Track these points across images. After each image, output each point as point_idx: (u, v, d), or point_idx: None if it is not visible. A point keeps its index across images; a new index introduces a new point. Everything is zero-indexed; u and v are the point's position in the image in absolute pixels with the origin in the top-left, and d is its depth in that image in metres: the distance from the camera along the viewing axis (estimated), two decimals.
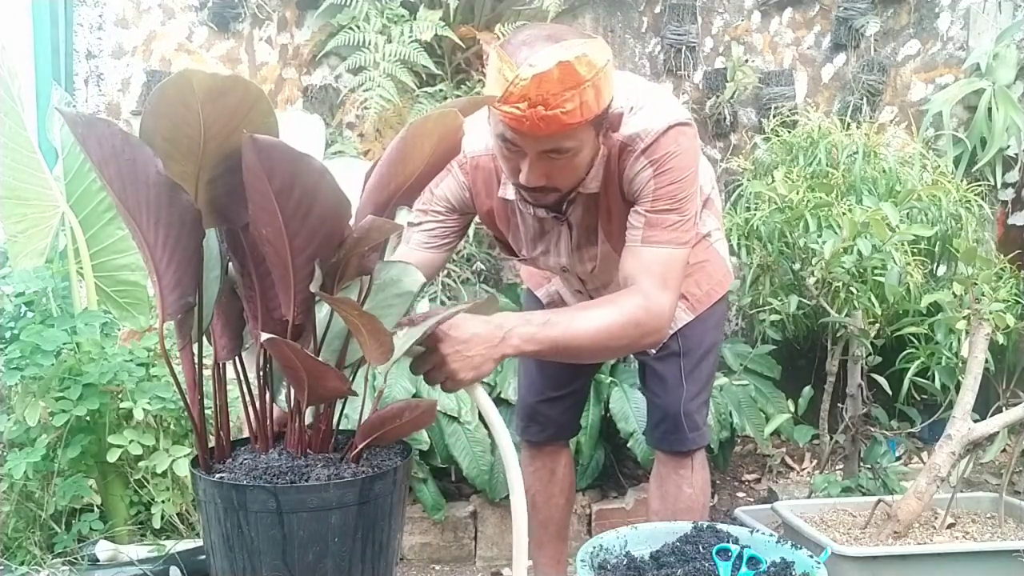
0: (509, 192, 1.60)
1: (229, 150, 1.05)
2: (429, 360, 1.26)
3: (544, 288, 1.96)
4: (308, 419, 1.24)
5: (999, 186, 3.45)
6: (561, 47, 1.29)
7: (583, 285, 1.80)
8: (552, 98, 1.28)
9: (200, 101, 1.00)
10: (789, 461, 3.27)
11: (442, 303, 3.01)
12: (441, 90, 3.20)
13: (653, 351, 1.81)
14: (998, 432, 2.05)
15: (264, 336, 1.09)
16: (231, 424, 1.27)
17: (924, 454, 2.81)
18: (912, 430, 2.56)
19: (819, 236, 2.48)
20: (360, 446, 1.22)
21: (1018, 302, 2.59)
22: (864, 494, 2.42)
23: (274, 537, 1.12)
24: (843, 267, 2.43)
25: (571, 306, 1.47)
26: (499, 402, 2.75)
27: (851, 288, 2.50)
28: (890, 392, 2.55)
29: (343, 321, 1.16)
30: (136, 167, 1.03)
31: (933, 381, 2.44)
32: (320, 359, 1.16)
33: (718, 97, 3.44)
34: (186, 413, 1.17)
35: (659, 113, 1.50)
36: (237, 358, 1.25)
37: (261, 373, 1.23)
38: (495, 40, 3.19)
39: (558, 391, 1.96)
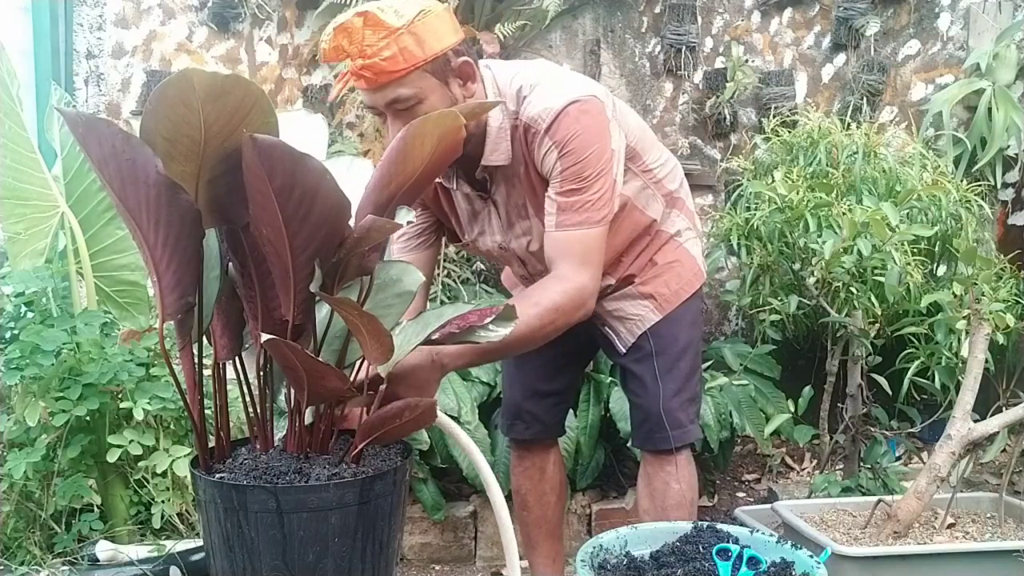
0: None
1: (230, 150, 1.05)
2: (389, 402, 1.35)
3: (518, 289, 1.96)
4: (308, 419, 1.24)
5: (999, 186, 3.45)
6: (370, 4, 1.39)
7: (525, 268, 1.81)
8: (367, 48, 1.37)
9: (200, 101, 1.00)
10: (789, 461, 3.27)
11: (442, 303, 3.01)
12: None
13: (625, 351, 1.82)
14: (998, 432, 2.04)
15: (264, 337, 1.09)
16: (231, 424, 1.27)
17: (924, 454, 2.81)
18: (912, 430, 2.56)
19: (819, 236, 2.47)
20: (360, 446, 1.22)
21: (1018, 302, 2.59)
22: (864, 494, 2.42)
23: (274, 537, 1.12)
24: (843, 267, 2.43)
25: None
26: (499, 401, 2.74)
27: (851, 288, 2.50)
28: (890, 392, 2.55)
29: (343, 321, 1.16)
30: (136, 167, 1.03)
31: (933, 381, 2.44)
32: (320, 359, 1.16)
33: (718, 97, 3.44)
34: (186, 413, 1.16)
35: (558, 92, 1.53)
36: (237, 358, 1.25)
37: (261, 373, 1.23)
38: (495, 40, 3.19)
39: (542, 386, 1.97)
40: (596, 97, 1.54)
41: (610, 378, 2.76)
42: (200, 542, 2.03)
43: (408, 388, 1.33)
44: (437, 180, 1.66)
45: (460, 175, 1.66)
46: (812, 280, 2.56)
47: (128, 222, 1.10)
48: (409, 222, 1.70)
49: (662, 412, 1.79)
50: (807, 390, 2.67)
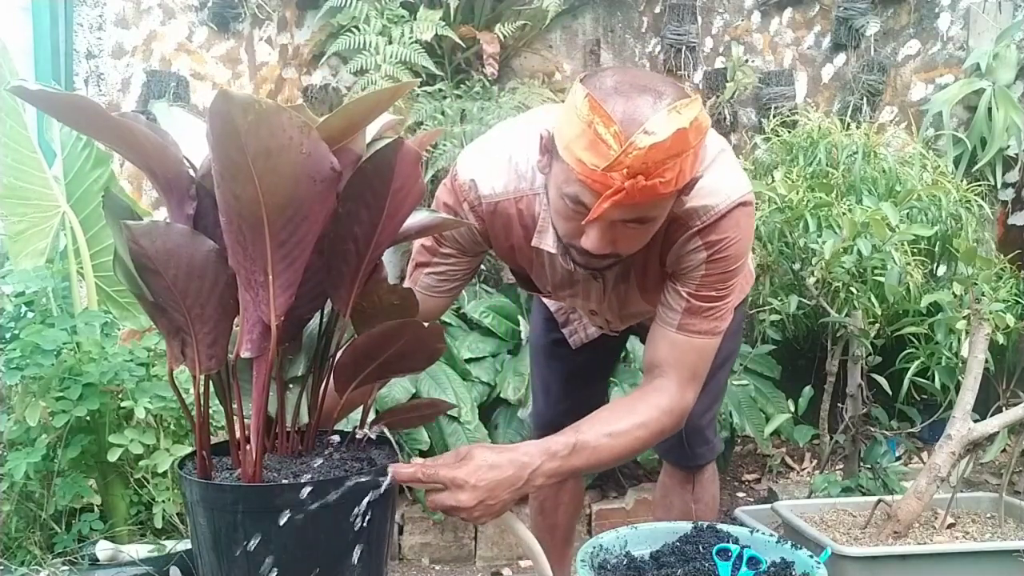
0: (546, 243, 1.41)
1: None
2: (450, 499, 1.18)
3: (570, 316, 1.84)
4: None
5: (999, 186, 3.45)
6: (673, 111, 1.11)
7: (608, 326, 1.71)
8: (655, 167, 1.11)
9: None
10: (789, 461, 3.27)
11: None
12: (441, 90, 3.20)
13: None
14: (998, 432, 2.04)
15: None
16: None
17: (924, 454, 2.82)
18: (912, 430, 2.56)
19: (819, 236, 2.48)
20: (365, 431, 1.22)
21: (1018, 302, 2.60)
22: (864, 494, 2.42)
23: (287, 534, 1.10)
24: (843, 267, 2.43)
25: (598, 422, 1.33)
26: (499, 402, 2.75)
27: (851, 288, 2.50)
28: (890, 392, 2.55)
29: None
30: (310, 161, 0.96)
31: (933, 381, 2.44)
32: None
33: (718, 97, 3.44)
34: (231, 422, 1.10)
35: (722, 187, 1.32)
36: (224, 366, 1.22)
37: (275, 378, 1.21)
38: (496, 40, 3.19)
39: (578, 399, 1.83)
40: (753, 195, 1.36)
41: (610, 378, 2.76)
42: None
43: (480, 506, 1.17)
44: (536, 245, 1.43)
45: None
46: (812, 280, 2.56)
47: (249, 218, 0.99)
48: (432, 262, 1.54)
49: (692, 429, 1.69)
50: (807, 390, 2.67)
